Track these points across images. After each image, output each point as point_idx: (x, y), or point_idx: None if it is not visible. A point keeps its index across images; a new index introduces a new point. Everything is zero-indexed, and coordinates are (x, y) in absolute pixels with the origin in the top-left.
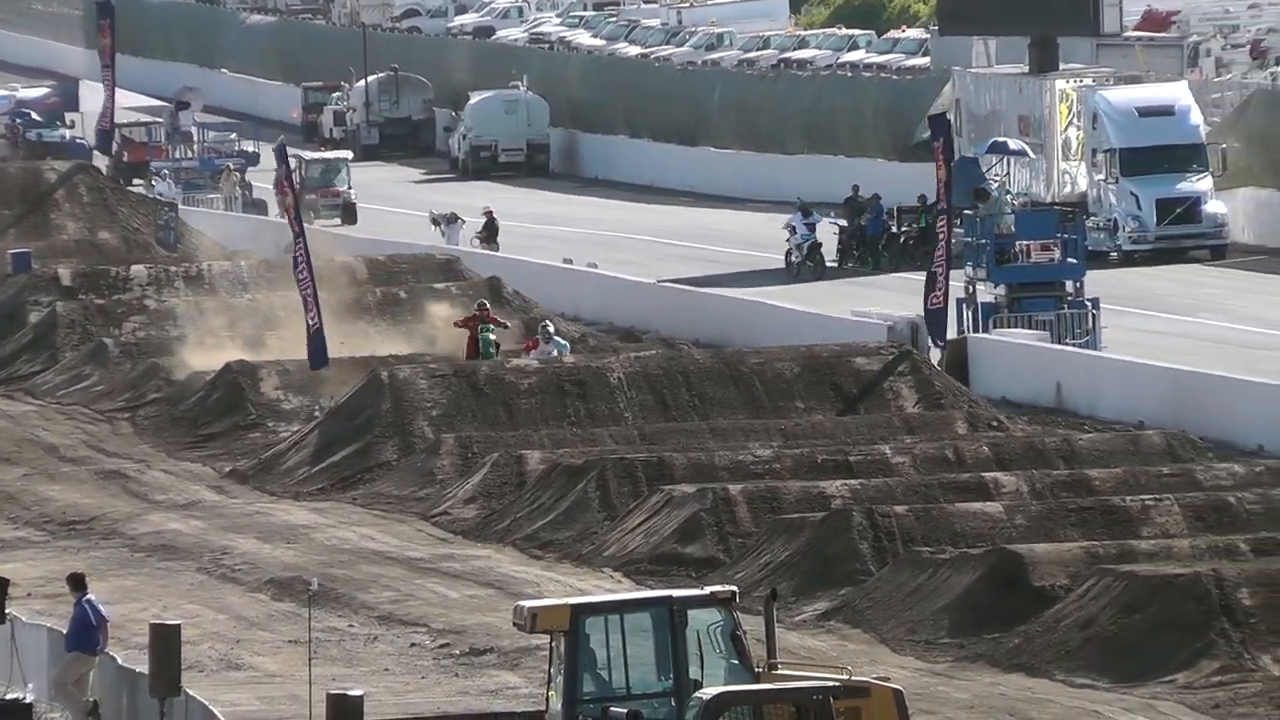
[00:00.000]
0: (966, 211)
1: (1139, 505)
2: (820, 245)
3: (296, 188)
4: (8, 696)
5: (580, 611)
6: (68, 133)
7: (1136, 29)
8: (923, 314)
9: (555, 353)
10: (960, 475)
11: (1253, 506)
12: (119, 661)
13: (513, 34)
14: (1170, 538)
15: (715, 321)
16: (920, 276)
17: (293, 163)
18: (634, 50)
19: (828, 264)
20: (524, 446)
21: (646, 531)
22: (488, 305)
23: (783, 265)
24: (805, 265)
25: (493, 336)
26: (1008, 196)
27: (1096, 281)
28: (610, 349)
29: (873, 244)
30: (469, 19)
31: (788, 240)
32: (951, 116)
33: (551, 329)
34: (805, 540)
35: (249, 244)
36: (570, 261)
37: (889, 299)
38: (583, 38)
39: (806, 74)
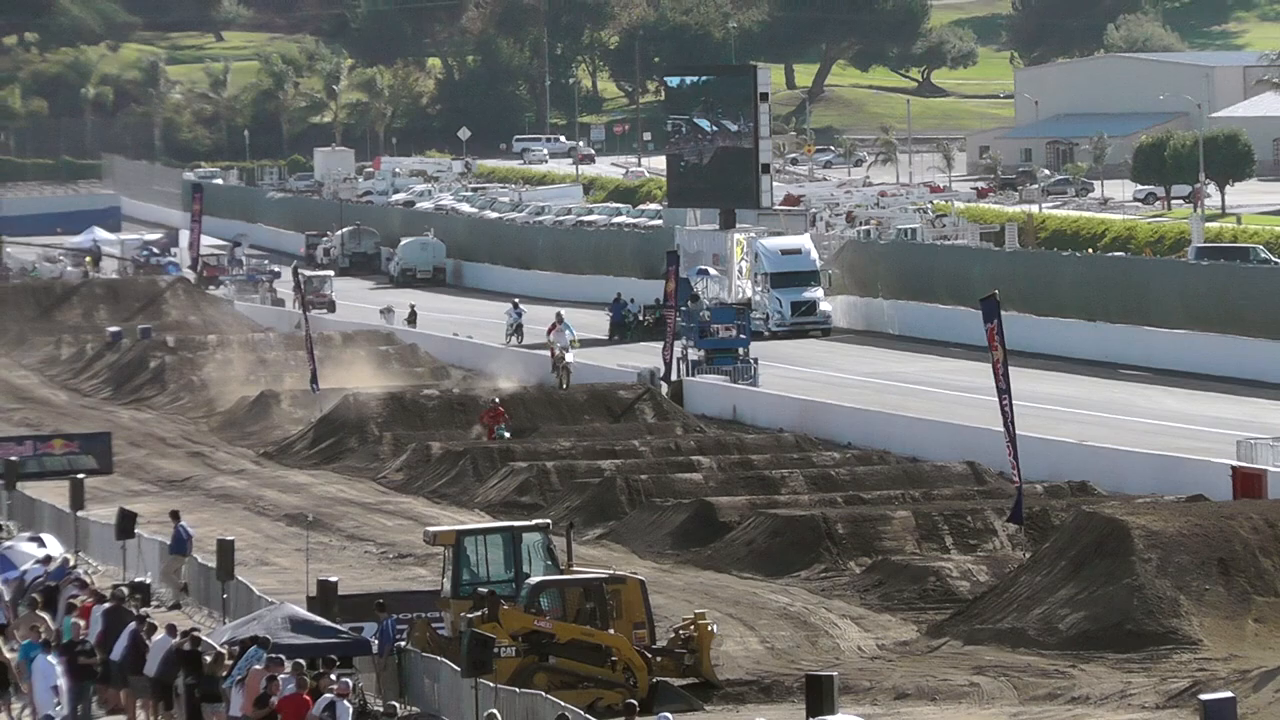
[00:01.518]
0: (683, 308)
1: (780, 475)
2: (521, 326)
3: (304, 291)
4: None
5: (461, 534)
6: (171, 260)
7: (781, 204)
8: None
9: (568, 334)
10: (678, 458)
11: (844, 477)
12: (199, 560)
13: (424, 204)
14: (798, 494)
15: (541, 370)
16: (657, 346)
17: (300, 277)
18: (493, 214)
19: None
20: (430, 440)
21: (500, 488)
22: (499, 403)
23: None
24: (513, 338)
25: (507, 434)
26: (706, 300)
27: (757, 348)
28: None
29: (619, 327)
30: (399, 196)
31: (508, 317)
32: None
33: (564, 315)
34: (589, 495)
35: (273, 323)
36: (456, 334)
37: (637, 357)
38: (464, 206)
39: (592, 229)
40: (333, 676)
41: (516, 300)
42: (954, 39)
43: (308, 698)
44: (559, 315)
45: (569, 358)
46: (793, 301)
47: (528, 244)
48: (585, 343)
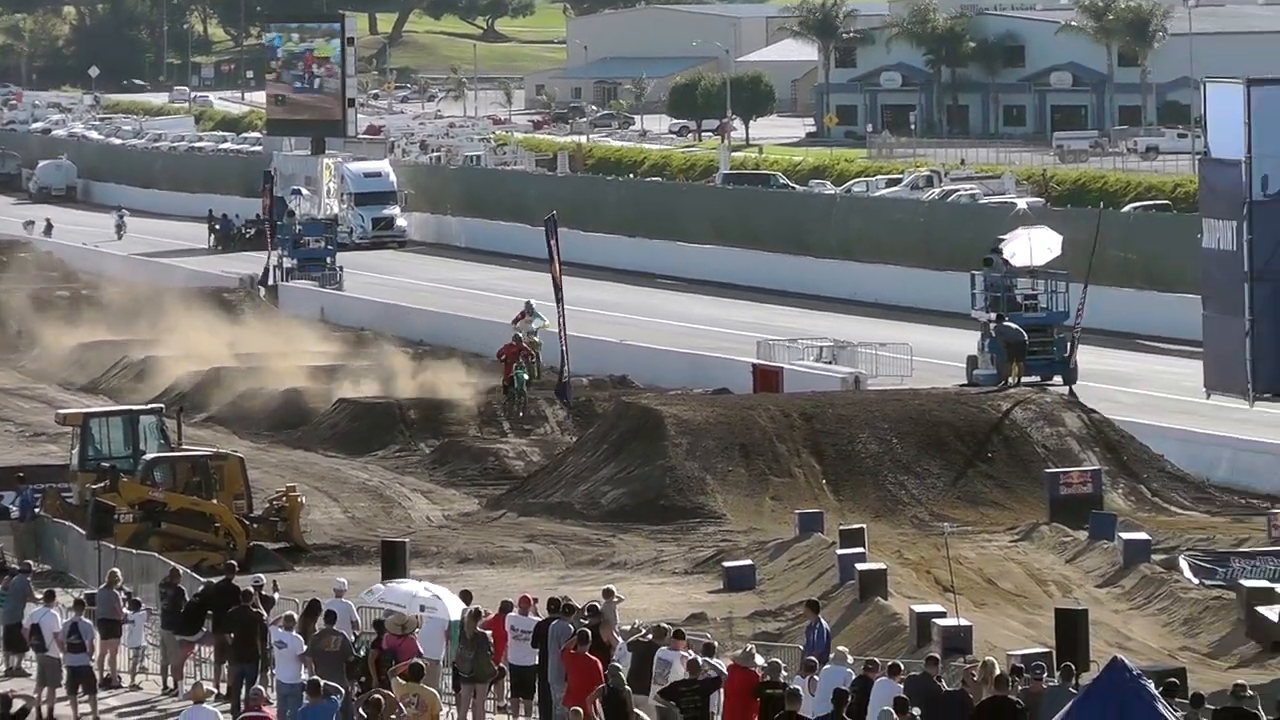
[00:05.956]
0: (279, 223)
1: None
2: (122, 226)
3: None
4: None
5: (88, 416)
6: None
7: (365, 133)
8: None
9: (535, 323)
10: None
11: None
12: None
13: (59, 132)
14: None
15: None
16: (254, 255)
17: None
18: (118, 141)
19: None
20: (62, 335)
21: (120, 377)
22: (522, 339)
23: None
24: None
25: (526, 376)
26: (299, 215)
27: (343, 258)
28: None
29: (224, 239)
30: (38, 125)
31: (114, 217)
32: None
33: (534, 304)
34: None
35: None
36: (85, 244)
37: (239, 265)
38: (93, 134)
39: (202, 155)
40: None
41: (122, 206)
42: None
43: None
44: (528, 304)
45: (537, 339)
46: (374, 218)
47: (147, 166)
48: (187, 253)
